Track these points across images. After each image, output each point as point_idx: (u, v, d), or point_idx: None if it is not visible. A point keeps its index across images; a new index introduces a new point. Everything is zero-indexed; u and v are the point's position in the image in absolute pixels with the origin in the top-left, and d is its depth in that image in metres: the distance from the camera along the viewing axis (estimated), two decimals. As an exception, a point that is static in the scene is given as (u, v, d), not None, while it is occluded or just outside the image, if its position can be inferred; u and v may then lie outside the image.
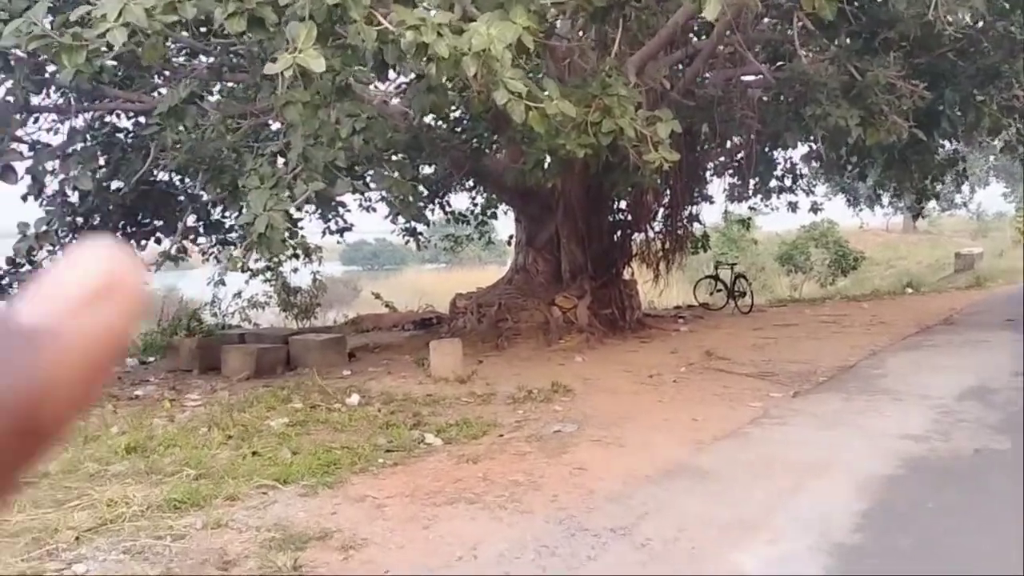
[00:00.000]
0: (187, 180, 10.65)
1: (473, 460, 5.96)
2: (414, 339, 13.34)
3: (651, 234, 13.54)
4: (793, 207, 18.56)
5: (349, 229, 16.54)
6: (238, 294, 18.57)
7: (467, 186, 15.28)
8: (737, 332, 12.84)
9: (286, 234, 5.89)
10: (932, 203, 22.68)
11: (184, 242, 10.39)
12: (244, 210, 6.19)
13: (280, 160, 6.80)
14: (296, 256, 18.25)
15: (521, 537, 4.50)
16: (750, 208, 19.26)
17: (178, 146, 7.60)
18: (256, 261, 13.30)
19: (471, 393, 8.33)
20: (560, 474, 5.61)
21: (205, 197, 10.08)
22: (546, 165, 8.39)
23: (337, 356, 11.40)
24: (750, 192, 18.48)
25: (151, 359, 13.17)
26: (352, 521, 4.78)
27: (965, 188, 44.65)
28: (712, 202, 17.69)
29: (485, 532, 4.61)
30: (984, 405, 7.30)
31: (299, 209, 6.43)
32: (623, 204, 13.27)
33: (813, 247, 24.61)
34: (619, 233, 13.56)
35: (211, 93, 9.18)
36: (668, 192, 13.51)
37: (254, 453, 6.23)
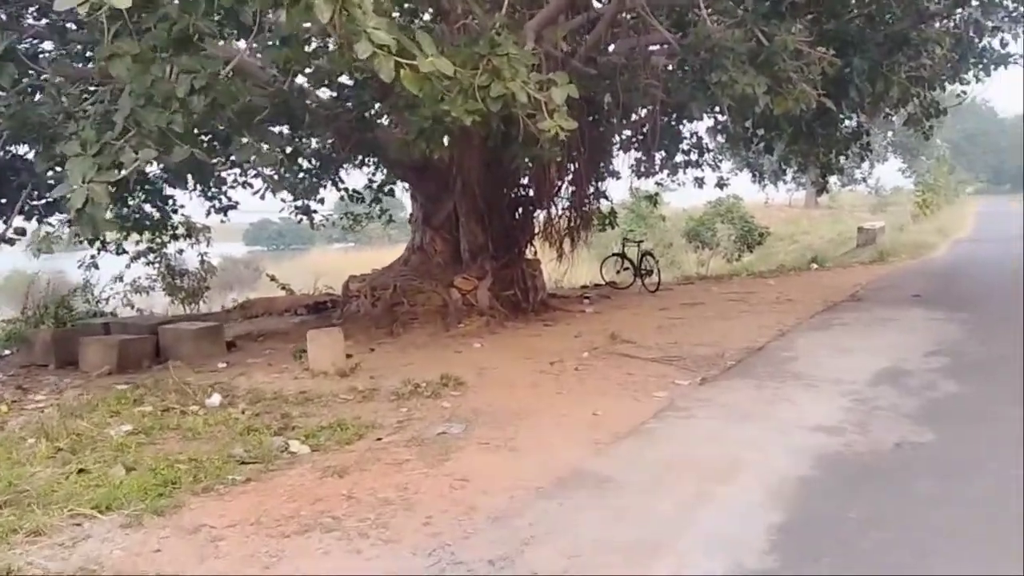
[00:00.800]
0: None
1: (340, 472, 5.15)
2: (304, 325, 12.38)
3: (555, 211, 12.85)
4: (700, 182, 18.20)
5: (233, 207, 15.36)
6: (119, 278, 17.23)
7: (359, 161, 14.30)
8: (643, 312, 12.32)
9: (108, 212, 4.92)
10: (834, 178, 22.79)
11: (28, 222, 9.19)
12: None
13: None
14: (176, 237, 17.07)
15: (380, 577, 3.75)
16: (657, 184, 18.85)
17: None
18: (78, 241, 11.95)
19: (352, 389, 7.49)
20: (438, 488, 4.86)
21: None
22: (432, 135, 7.54)
23: (213, 346, 10.38)
24: (656, 167, 18.08)
25: (6, 352, 11.88)
26: (177, 562, 3.93)
27: (865, 164, 45.80)
28: (619, 178, 17.17)
29: (337, 571, 3.83)
30: (899, 391, 6.86)
31: (128, 182, 5.43)
32: (525, 180, 12.54)
33: (719, 223, 24.48)
34: (521, 210, 12.84)
35: (43, 52, 8.01)
36: (572, 167, 12.84)
37: (81, 471, 5.28)
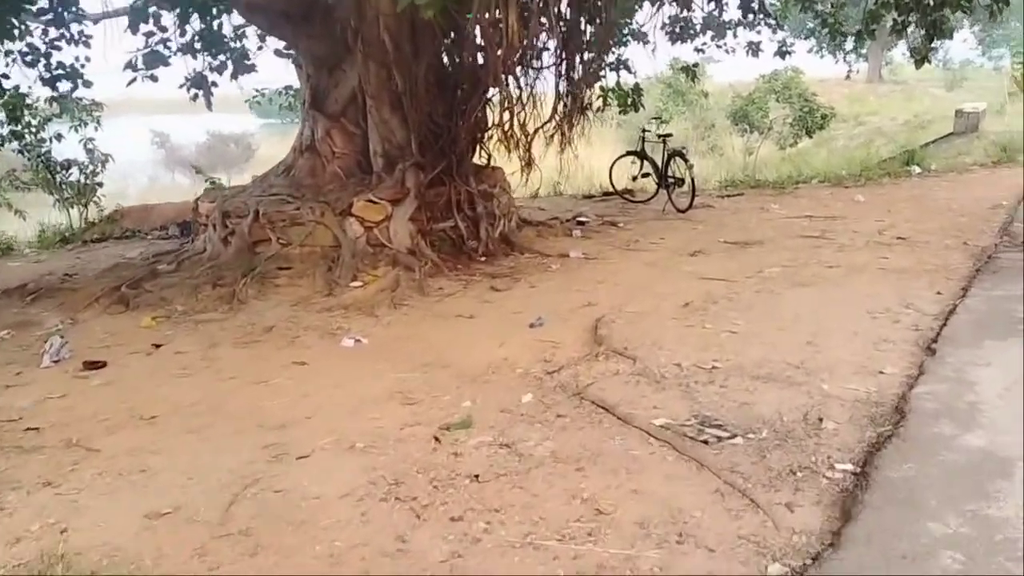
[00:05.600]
0: None
1: None
2: (126, 269, 7.81)
3: (523, 88, 7.84)
4: (754, 49, 13.09)
5: (76, 77, 10.51)
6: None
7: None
8: (662, 263, 7.52)
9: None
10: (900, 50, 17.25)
11: None
12: None
13: None
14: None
15: None
16: (697, 51, 13.65)
17: None
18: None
19: None
20: None
21: None
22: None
23: None
24: (697, 28, 12.94)
25: None
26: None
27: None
28: (646, 42, 12.03)
29: None
30: None
31: None
32: (475, 36, 7.49)
33: (773, 101, 19.13)
34: (466, 87, 7.86)
35: None
36: (558, 14, 7.72)
37: None
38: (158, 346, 5.59)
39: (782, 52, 13.29)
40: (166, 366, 5.14)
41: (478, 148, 8.32)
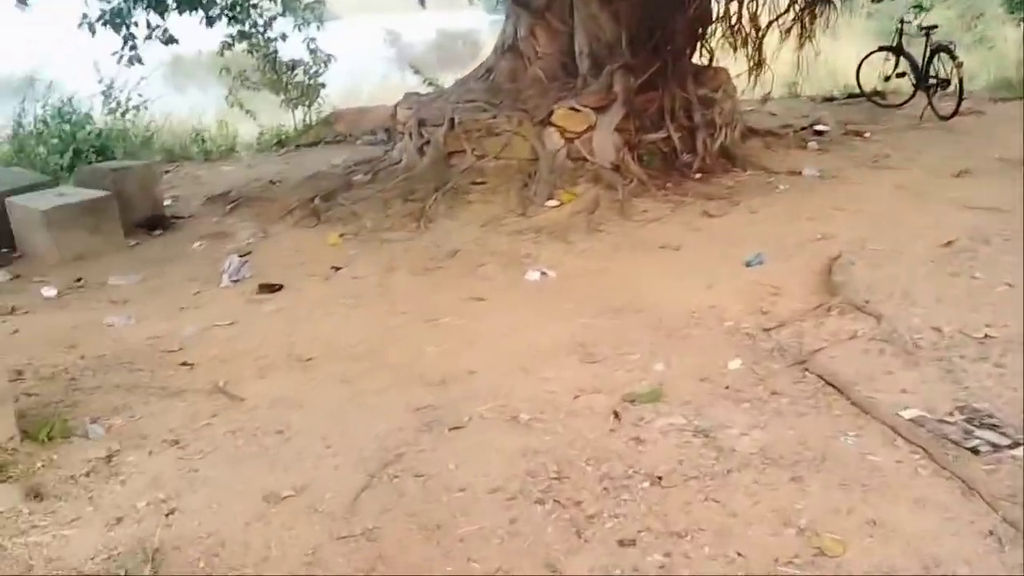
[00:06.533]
0: None
1: None
2: (320, 181, 7.62)
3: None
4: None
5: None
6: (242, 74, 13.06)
7: None
8: (917, 185, 6.20)
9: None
10: None
11: None
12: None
13: None
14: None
15: None
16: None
17: None
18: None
19: None
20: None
21: None
22: None
23: (93, 239, 5.86)
24: None
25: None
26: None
27: None
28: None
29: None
30: None
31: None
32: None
33: (1064, -19, 15.96)
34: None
35: None
36: None
37: None
38: (337, 268, 5.24)
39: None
40: (340, 293, 4.77)
41: (699, 46, 7.24)
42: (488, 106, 7.03)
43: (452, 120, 6.94)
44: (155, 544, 2.37)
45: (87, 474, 2.74)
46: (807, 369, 3.42)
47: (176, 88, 16.77)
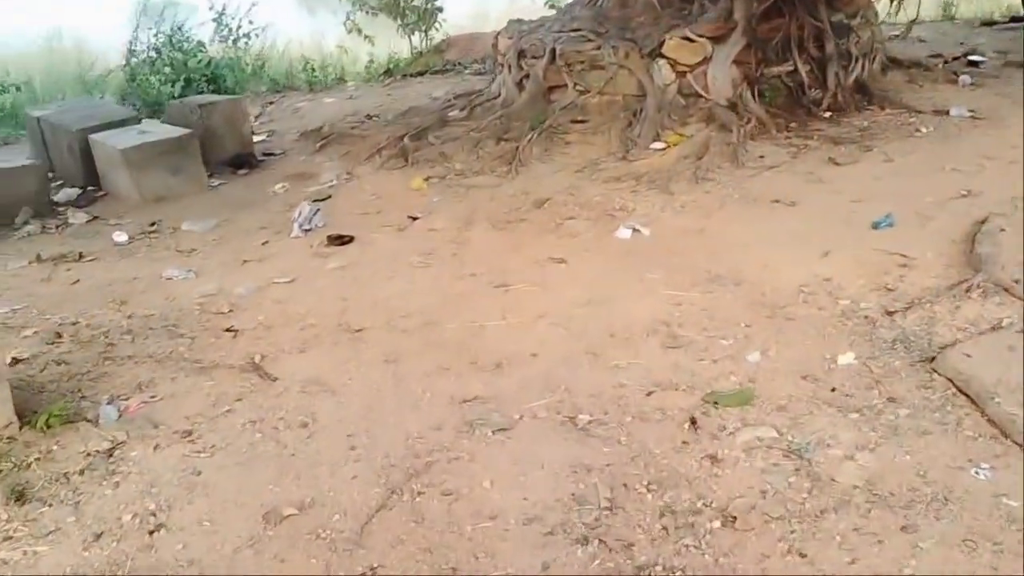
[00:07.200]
0: None
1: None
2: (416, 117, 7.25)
3: None
4: None
5: None
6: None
7: None
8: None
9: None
10: None
11: None
12: None
13: None
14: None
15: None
16: None
17: None
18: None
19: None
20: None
21: None
22: None
23: (190, 179, 5.72)
24: None
25: None
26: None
27: None
28: None
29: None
30: None
31: None
32: None
33: None
34: None
35: None
36: None
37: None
38: (414, 219, 4.88)
39: None
40: (410, 249, 4.40)
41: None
42: (593, 36, 6.42)
43: (553, 51, 6.38)
44: (127, 573, 2.09)
45: (81, 472, 2.50)
46: (935, 370, 2.83)
47: (308, 11, 16.56)
